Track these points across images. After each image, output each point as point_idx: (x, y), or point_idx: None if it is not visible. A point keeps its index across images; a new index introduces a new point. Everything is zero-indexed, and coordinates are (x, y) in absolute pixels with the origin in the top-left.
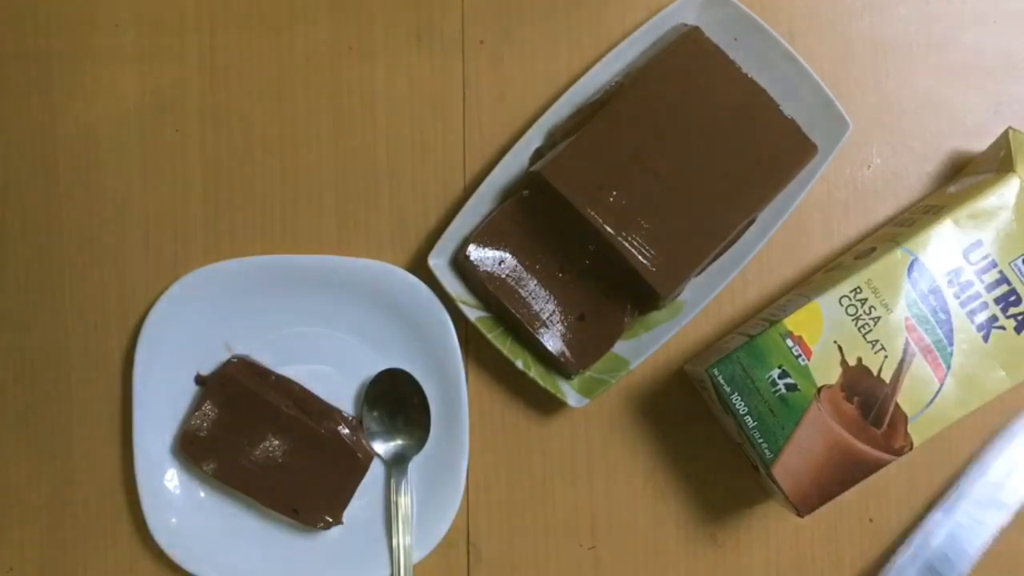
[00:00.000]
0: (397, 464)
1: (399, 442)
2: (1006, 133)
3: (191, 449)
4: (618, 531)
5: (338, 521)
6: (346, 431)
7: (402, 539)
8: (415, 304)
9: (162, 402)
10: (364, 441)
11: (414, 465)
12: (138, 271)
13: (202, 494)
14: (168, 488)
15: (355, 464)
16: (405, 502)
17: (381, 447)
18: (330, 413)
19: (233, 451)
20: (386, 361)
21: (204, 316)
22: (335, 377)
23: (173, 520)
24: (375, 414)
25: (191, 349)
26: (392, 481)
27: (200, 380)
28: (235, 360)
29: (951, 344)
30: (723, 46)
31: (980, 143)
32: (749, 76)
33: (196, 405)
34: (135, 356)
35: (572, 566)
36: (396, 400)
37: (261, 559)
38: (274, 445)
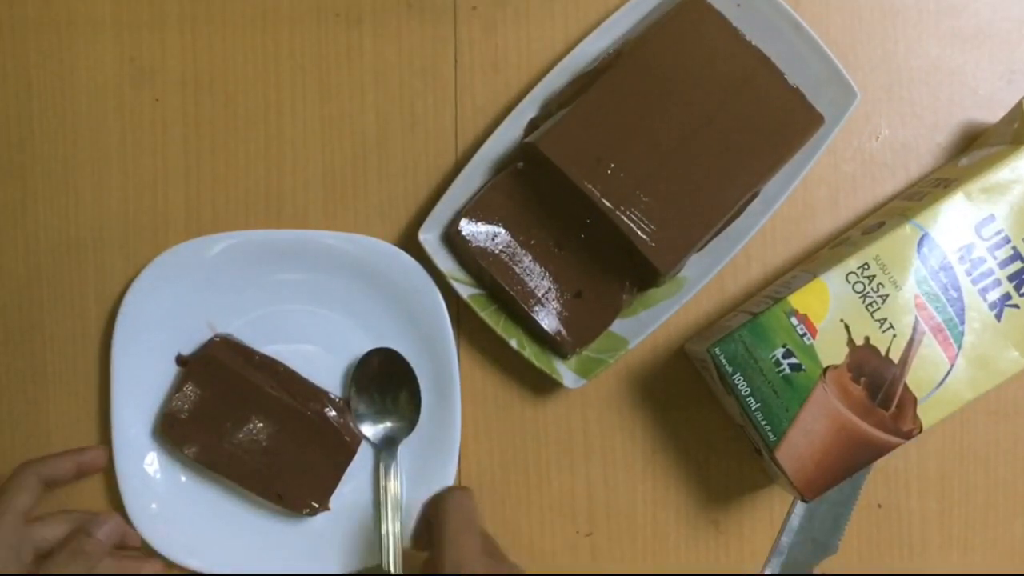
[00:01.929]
0: (386, 447)
1: (388, 424)
2: (1020, 104)
3: (172, 432)
4: (616, 517)
5: (324, 507)
6: (333, 413)
7: (391, 526)
8: (405, 281)
9: (142, 383)
10: (352, 424)
11: (404, 448)
12: (117, 247)
13: (183, 479)
14: (148, 473)
15: (343, 447)
16: (395, 487)
17: (370, 430)
18: (317, 395)
19: (215, 434)
20: (375, 340)
21: (185, 294)
22: (322, 357)
23: (153, 506)
24: (363, 395)
25: (172, 328)
26: (381, 465)
27: (181, 360)
28: (218, 339)
29: (962, 323)
30: (725, 12)
31: (993, 114)
32: (753, 44)
33: (177, 386)
34: (114, 336)
35: (569, 553)
36: (385, 381)
37: (244, 546)
38: (258, 428)
